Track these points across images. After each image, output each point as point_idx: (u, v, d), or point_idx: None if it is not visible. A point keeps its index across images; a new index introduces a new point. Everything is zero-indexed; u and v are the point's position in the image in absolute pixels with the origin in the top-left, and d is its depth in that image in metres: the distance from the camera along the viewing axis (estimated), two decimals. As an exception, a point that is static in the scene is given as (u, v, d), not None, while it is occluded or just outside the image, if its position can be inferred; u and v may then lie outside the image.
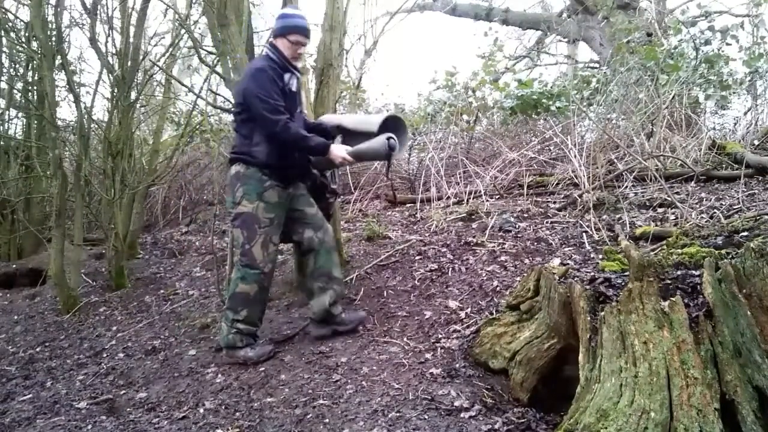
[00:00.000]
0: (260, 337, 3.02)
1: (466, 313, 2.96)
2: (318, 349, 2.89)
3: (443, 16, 11.43)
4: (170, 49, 5.53)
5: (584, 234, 3.62)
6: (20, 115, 6.18)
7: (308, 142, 2.85)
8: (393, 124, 2.97)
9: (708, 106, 5.95)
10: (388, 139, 2.81)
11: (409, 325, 2.99)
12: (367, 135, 2.92)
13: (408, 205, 5.26)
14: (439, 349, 2.70)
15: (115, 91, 4.75)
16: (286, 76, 2.89)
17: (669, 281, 1.99)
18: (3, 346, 3.84)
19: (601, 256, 3.01)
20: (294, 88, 2.94)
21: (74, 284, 4.40)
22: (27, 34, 5.25)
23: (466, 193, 4.79)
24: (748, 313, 1.75)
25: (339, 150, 2.90)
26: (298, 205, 3.01)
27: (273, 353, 2.91)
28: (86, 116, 4.73)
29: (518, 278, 3.08)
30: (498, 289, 3.12)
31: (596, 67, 8.58)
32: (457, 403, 2.20)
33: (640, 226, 3.53)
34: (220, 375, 2.85)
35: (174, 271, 5.02)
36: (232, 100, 4.06)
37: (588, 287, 2.10)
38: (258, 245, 2.84)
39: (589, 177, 4.37)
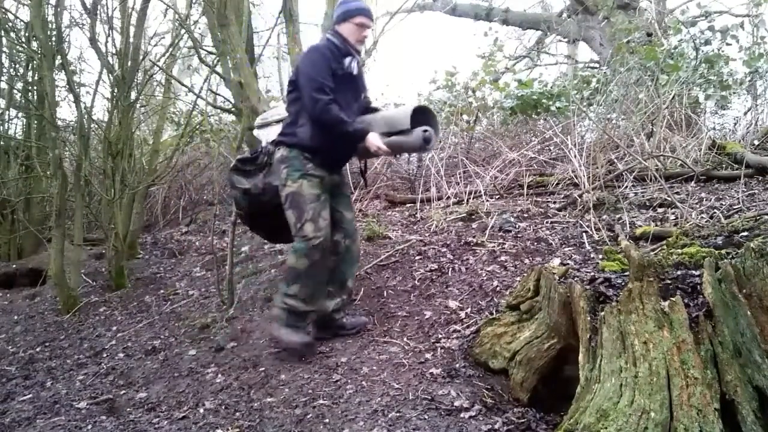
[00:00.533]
0: (309, 321, 2.95)
1: (466, 313, 2.96)
2: (318, 349, 2.89)
3: (443, 16, 11.43)
4: (170, 49, 5.53)
5: (584, 234, 3.62)
6: (20, 115, 6.19)
7: (346, 126, 2.79)
8: (422, 116, 2.94)
9: (708, 106, 5.95)
10: (424, 131, 2.81)
11: (409, 325, 2.99)
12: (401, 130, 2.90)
13: (408, 205, 5.26)
14: (439, 349, 2.70)
15: (115, 91, 4.75)
16: (347, 60, 2.87)
17: (669, 281, 1.99)
18: (3, 346, 3.84)
19: (601, 256, 3.01)
20: (354, 72, 2.93)
21: (74, 284, 4.40)
22: (27, 34, 5.26)
23: (466, 193, 4.79)
24: (748, 313, 1.75)
25: (375, 139, 2.85)
26: (339, 206, 3.01)
27: (311, 346, 2.84)
28: (86, 116, 4.73)
29: (518, 278, 3.08)
30: (498, 289, 3.12)
31: (596, 67, 8.57)
32: (457, 403, 2.20)
33: (640, 226, 3.53)
34: (220, 375, 2.85)
35: (174, 271, 5.02)
36: (232, 100, 4.08)
37: (588, 287, 2.10)
38: (308, 221, 2.80)
39: (589, 177, 4.37)
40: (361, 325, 3.05)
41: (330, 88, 2.76)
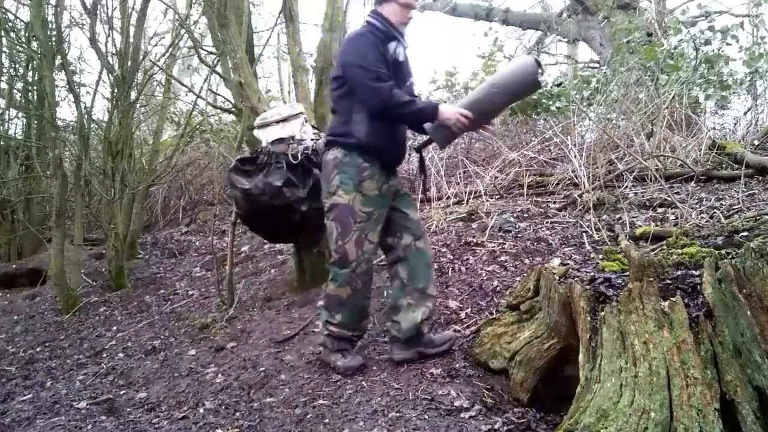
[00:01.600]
0: (357, 344, 2.74)
1: (466, 313, 2.96)
2: (318, 349, 2.89)
3: (443, 16, 11.42)
4: (170, 49, 5.53)
5: (584, 234, 3.62)
6: (20, 115, 6.19)
7: (416, 105, 2.50)
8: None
9: (708, 106, 5.95)
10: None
11: (409, 325, 2.98)
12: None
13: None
14: (439, 349, 2.70)
15: (115, 91, 4.75)
16: (392, 45, 2.56)
17: (669, 281, 1.99)
18: (3, 346, 3.84)
19: (601, 256, 3.01)
20: (401, 58, 2.62)
21: (74, 284, 4.40)
22: (27, 34, 5.26)
23: (466, 193, 4.79)
24: (748, 313, 1.75)
25: (450, 108, 2.49)
26: (401, 205, 2.69)
27: (362, 367, 2.59)
28: (86, 116, 4.74)
29: (518, 278, 3.08)
30: (498, 289, 3.12)
31: (596, 67, 8.57)
32: (457, 403, 2.20)
33: (640, 226, 3.53)
34: (220, 375, 2.85)
35: (174, 271, 5.02)
36: (232, 100, 4.08)
37: (588, 287, 2.10)
38: (352, 242, 2.51)
39: (589, 177, 4.37)
40: (451, 340, 2.66)
41: (386, 74, 2.47)
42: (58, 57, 4.55)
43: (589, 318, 1.91)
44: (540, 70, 2.42)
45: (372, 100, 2.47)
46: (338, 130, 2.58)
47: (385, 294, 3.36)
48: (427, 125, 2.55)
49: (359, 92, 2.49)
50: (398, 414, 2.18)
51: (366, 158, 2.52)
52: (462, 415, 2.13)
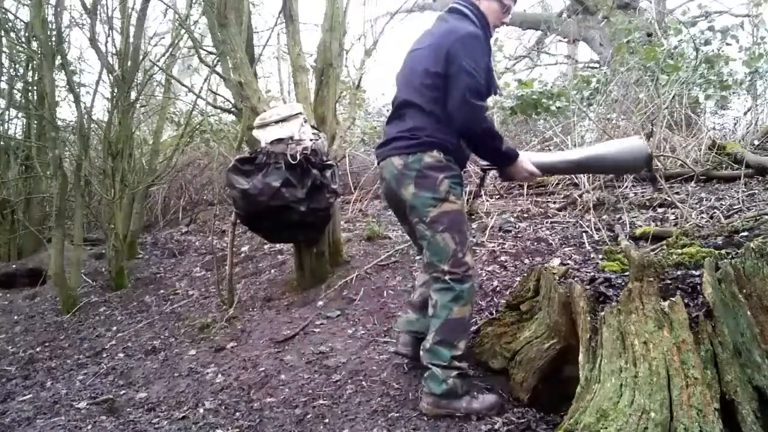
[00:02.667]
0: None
1: (466, 313, 2.96)
2: (318, 349, 2.89)
3: (443, 16, 11.41)
4: (170, 49, 5.53)
5: (584, 234, 3.62)
6: (20, 115, 6.19)
7: (502, 145, 2.26)
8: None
9: (708, 106, 5.94)
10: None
11: (409, 325, 2.98)
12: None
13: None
14: (439, 349, 2.69)
15: (115, 91, 4.75)
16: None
17: (669, 281, 1.99)
18: (3, 346, 3.84)
19: (601, 256, 3.00)
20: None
21: (74, 284, 4.40)
22: (27, 34, 5.26)
23: (466, 193, 4.78)
24: (748, 313, 1.75)
25: (525, 166, 2.28)
26: None
27: (501, 406, 2.19)
28: (86, 116, 4.73)
29: (518, 278, 3.08)
30: (498, 289, 3.12)
31: (596, 67, 8.57)
32: (457, 403, 2.20)
33: (640, 226, 3.53)
34: (220, 375, 2.85)
35: (174, 271, 5.02)
36: (232, 100, 4.08)
37: (588, 287, 2.10)
38: (469, 251, 2.24)
39: (589, 177, 4.37)
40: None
41: (486, 90, 2.23)
42: (58, 57, 4.54)
43: (589, 318, 1.91)
44: (648, 156, 2.38)
45: (462, 115, 2.16)
46: (434, 132, 2.21)
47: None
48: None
49: (453, 100, 2.16)
50: (398, 414, 2.18)
51: (457, 164, 2.30)
52: (462, 414, 2.13)
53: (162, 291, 4.50)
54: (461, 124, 2.19)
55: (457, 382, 2.16)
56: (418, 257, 2.60)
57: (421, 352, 2.23)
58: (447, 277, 2.19)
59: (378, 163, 2.39)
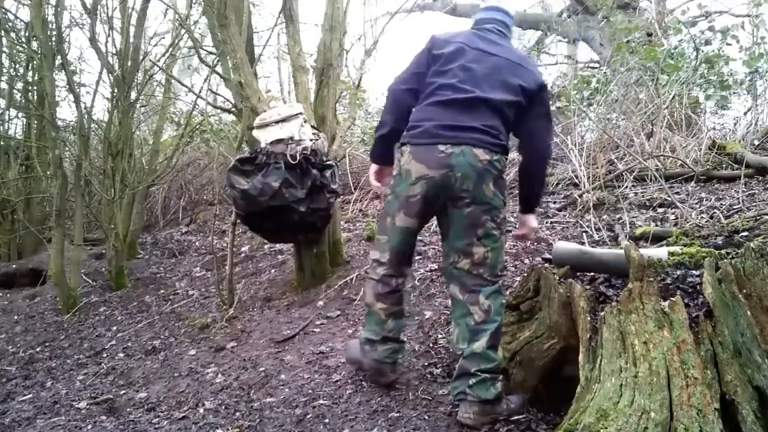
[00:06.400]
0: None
1: (466, 313, 2.96)
2: (318, 349, 2.89)
3: (443, 16, 11.42)
4: (170, 49, 5.53)
5: (584, 234, 3.62)
6: (20, 115, 6.19)
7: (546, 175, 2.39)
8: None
9: (708, 106, 5.94)
10: None
11: (409, 325, 2.98)
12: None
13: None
14: (439, 349, 2.70)
15: (115, 91, 4.75)
16: None
17: (669, 281, 1.99)
18: (3, 346, 3.84)
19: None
20: None
21: (74, 284, 4.40)
22: (27, 34, 5.26)
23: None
24: (748, 313, 1.75)
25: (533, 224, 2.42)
26: None
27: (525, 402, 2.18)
28: (86, 116, 4.73)
29: (518, 278, 3.08)
30: (498, 289, 3.11)
31: (596, 67, 8.57)
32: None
33: (640, 226, 3.53)
34: (220, 375, 2.85)
35: (174, 271, 5.02)
36: (232, 100, 4.08)
37: (588, 287, 2.10)
38: None
39: (589, 177, 4.37)
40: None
41: None
42: (58, 57, 4.54)
43: (589, 318, 1.91)
44: None
45: (549, 145, 2.31)
46: (507, 141, 2.23)
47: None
48: None
49: (547, 127, 2.29)
50: (398, 414, 2.18)
51: None
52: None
53: (162, 291, 4.50)
54: (545, 157, 2.31)
55: (500, 386, 2.12)
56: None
57: (462, 360, 2.12)
58: (498, 281, 2.19)
59: (440, 145, 2.11)
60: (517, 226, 2.54)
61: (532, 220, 2.44)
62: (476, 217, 2.13)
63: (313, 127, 3.59)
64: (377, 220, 2.48)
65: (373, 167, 2.41)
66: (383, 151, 2.34)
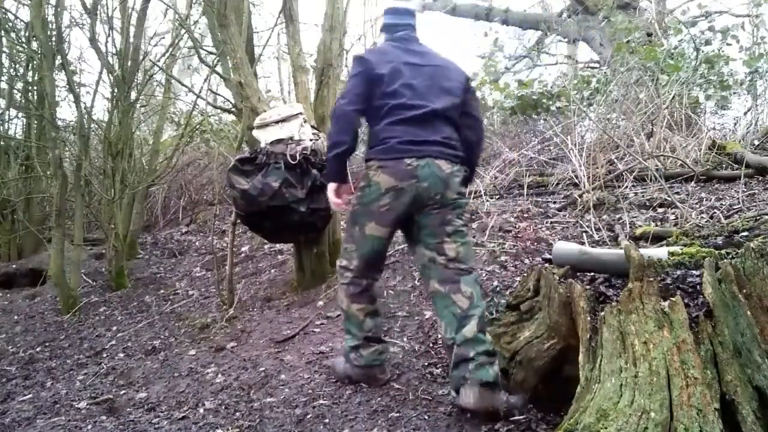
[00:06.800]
0: None
1: (466, 313, 2.96)
2: (318, 349, 2.89)
3: (443, 16, 11.43)
4: (170, 49, 5.53)
5: (584, 234, 3.62)
6: (20, 115, 6.19)
7: None
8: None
9: (708, 106, 5.95)
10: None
11: (409, 325, 2.98)
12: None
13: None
14: (439, 349, 2.70)
15: (115, 91, 4.75)
16: None
17: (669, 281, 1.99)
18: (3, 346, 3.84)
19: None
20: None
21: (74, 284, 4.40)
22: (27, 34, 5.26)
23: (466, 193, 4.78)
24: (748, 313, 1.75)
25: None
26: None
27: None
28: (86, 116, 4.73)
29: (518, 278, 3.08)
30: (498, 289, 3.12)
31: (596, 67, 8.57)
32: (457, 403, 2.20)
33: (640, 226, 3.53)
34: (220, 375, 2.85)
35: (174, 271, 5.02)
36: (232, 100, 4.08)
37: (588, 287, 2.10)
38: None
39: (589, 177, 4.37)
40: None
41: None
42: (58, 57, 4.54)
43: (589, 318, 1.91)
44: None
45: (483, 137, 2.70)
46: (461, 153, 2.43)
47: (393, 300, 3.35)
48: None
49: (481, 125, 2.62)
50: (398, 414, 2.18)
51: None
52: (462, 415, 2.13)
53: (162, 291, 4.50)
54: (481, 143, 2.63)
55: (497, 368, 2.17)
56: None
57: (457, 349, 2.19)
58: (473, 271, 2.33)
59: (406, 159, 2.29)
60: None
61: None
62: (444, 216, 2.31)
63: (313, 127, 3.59)
64: (345, 230, 2.54)
65: (332, 186, 2.46)
66: (341, 170, 2.43)
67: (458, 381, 2.15)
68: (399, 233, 4.26)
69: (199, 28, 6.59)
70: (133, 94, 5.07)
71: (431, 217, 2.31)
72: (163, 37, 6.72)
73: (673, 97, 5.24)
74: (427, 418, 2.14)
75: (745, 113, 5.97)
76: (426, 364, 2.57)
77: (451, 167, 2.33)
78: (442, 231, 2.30)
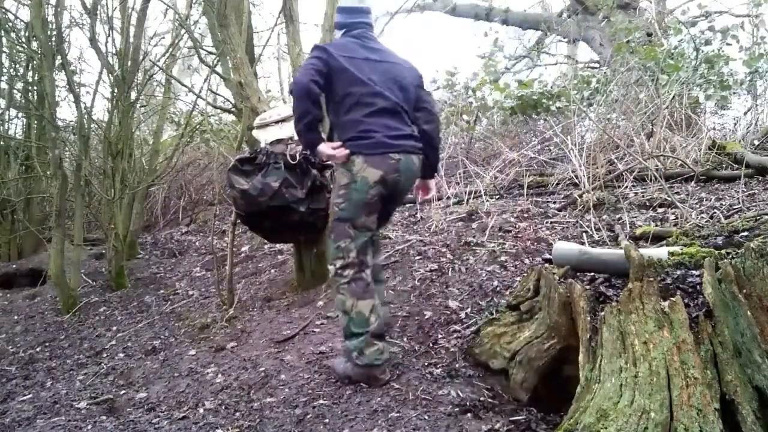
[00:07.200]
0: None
1: (466, 313, 2.96)
2: (318, 349, 2.89)
3: (443, 16, 11.43)
4: (170, 49, 5.53)
5: (584, 234, 3.62)
6: (20, 115, 6.19)
7: None
8: None
9: (708, 106, 5.95)
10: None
11: (409, 325, 2.98)
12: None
13: (408, 205, 5.27)
14: (439, 349, 2.70)
15: (115, 91, 4.75)
16: None
17: (669, 281, 1.99)
18: (3, 346, 3.84)
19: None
20: None
21: (74, 284, 4.40)
22: (27, 34, 5.26)
23: (466, 193, 4.79)
24: (748, 313, 1.75)
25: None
26: None
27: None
28: (86, 116, 4.73)
29: (518, 278, 3.08)
30: (498, 289, 3.12)
31: (596, 67, 8.57)
32: (457, 403, 2.20)
33: (640, 226, 3.53)
34: (220, 375, 2.85)
35: (174, 271, 5.02)
36: (232, 100, 4.09)
37: (588, 287, 2.10)
38: None
39: (589, 177, 4.37)
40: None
41: None
42: (58, 57, 4.54)
43: (589, 318, 1.91)
44: None
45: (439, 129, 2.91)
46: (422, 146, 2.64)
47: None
48: None
49: (437, 117, 2.85)
50: (398, 414, 2.18)
51: None
52: (462, 415, 2.13)
53: (162, 291, 4.50)
54: (439, 134, 2.80)
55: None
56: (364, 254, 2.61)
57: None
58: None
59: (391, 153, 2.45)
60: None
61: (433, 183, 2.88)
62: (400, 200, 2.88)
63: (313, 127, 3.58)
64: (332, 232, 2.61)
65: (323, 146, 2.48)
66: (317, 135, 2.49)
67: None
68: (399, 234, 4.27)
69: (199, 28, 6.60)
70: (133, 94, 5.07)
71: (396, 201, 2.70)
72: (163, 37, 6.73)
73: (673, 97, 5.24)
74: (427, 418, 2.14)
75: (745, 113, 5.97)
76: (426, 364, 2.57)
77: (419, 161, 2.59)
78: (393, 208, 2.81)
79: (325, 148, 2.46)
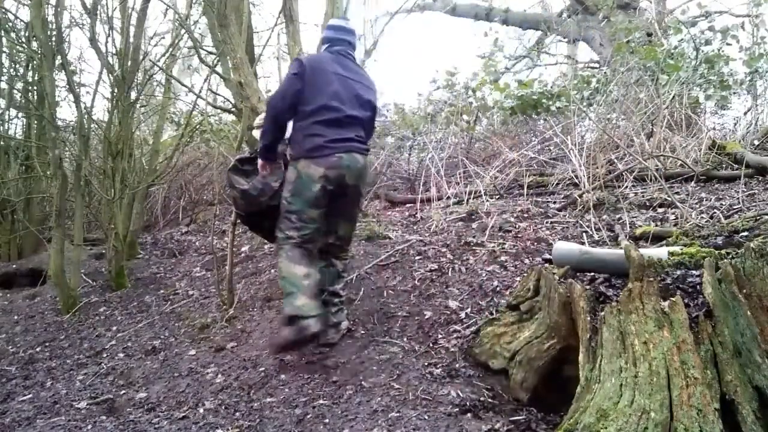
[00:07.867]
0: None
1: (466, 313, 2.96)
2: (318, 349, 2.89)
3: (443, 16, 11.44)
4: (170, 49, 5.53)
5: (584, 234, 3.62)
6: (20, 115, 6.19)
7: None
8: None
9: (708, 106, 5.95)
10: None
11: (409, 325, 2.98)
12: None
13: (408, 205, 5.27)
14: (439, 349, 2.70)
15: (115, 91, 4.75)
16: None
17: (669, 281, 1.99)
18: (3, 346, 3.84)
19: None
20: None
21: (74, 284, 4.40)
22: (27, 34, 5.26)
23: (466, 193, 4.79)
24: (748, 313, 1.75)
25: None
26: None
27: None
28: (86, 116, 4.73)
29: (518, 278, 3.08)
30: (498, 289, 3.12)
31: (596, 67, 8.57)
32: (457, 403, 2.20)
33: (640, 226, 3.53)
34: (220, 375, 2.85)
35: (174, 271, 5.02)
36: (232, 100, 4.09)
37: (588, 287, 2.10)
38: None
39: (589, 177, 4.37)
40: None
41: None
42: (58, 57, 4.54)
43: (589, 318, 1.92)
44: None
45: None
46: (368, 147, 3.04)
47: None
48: None
49: (372, 134, 3.25)
50: (398, 414, 2.18)
51: None
52: (462, 415, 2.13)
53: (162, 291, 4.50)
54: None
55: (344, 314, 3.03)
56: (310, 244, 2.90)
57: (326, 295, 2.93)
58: (348, 251, 3.17)
59: (335, 153, 2.78)
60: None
61: None
62: (354, 206, 3.05)
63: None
64: (280, 223, 2.89)
65: (262, 163, 2.99)
66: (273, 154, 2.96)
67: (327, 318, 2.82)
68: (399, 234, 4.27)
69: (199, 28, 6.60)
70: (133, 94, 5.06)
71: (347, 197, 2.90)
72: (163, 37, 6.73)
73: (673, 97, 5.24)
74: (427, 418, 2.14)
75: (745, 113, 5.96)
76: (426, 364, 2.57)
77: (364, 159, 2.91)
78: (352, 209, 3.02)
79: (261, 164, 2.98)
